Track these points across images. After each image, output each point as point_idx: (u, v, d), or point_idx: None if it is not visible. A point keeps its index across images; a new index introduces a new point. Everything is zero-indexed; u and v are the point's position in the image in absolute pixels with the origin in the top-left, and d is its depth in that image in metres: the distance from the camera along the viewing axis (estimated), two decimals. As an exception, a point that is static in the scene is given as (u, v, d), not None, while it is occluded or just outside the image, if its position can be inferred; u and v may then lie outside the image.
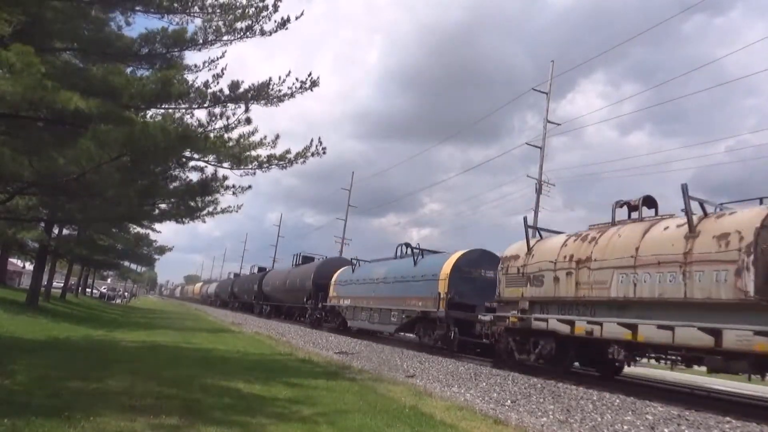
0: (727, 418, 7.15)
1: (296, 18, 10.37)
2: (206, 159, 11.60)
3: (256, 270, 46.51)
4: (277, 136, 11.71)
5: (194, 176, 12.95)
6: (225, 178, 12.61)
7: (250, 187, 13.11)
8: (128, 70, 11.43)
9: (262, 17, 10.14)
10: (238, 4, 10.17)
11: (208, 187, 12.47)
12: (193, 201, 12.95)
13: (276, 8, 10.15)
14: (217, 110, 10.31)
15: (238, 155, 11.20)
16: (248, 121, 10.90)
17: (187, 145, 10.22)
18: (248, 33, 10.40)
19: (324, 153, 11.32)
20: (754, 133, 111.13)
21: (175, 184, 12.98)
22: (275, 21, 10.27)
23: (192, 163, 12.41)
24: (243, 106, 10.44)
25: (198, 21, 10.66)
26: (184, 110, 10.84)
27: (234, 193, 12.78)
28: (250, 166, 11.48)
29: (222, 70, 10.83)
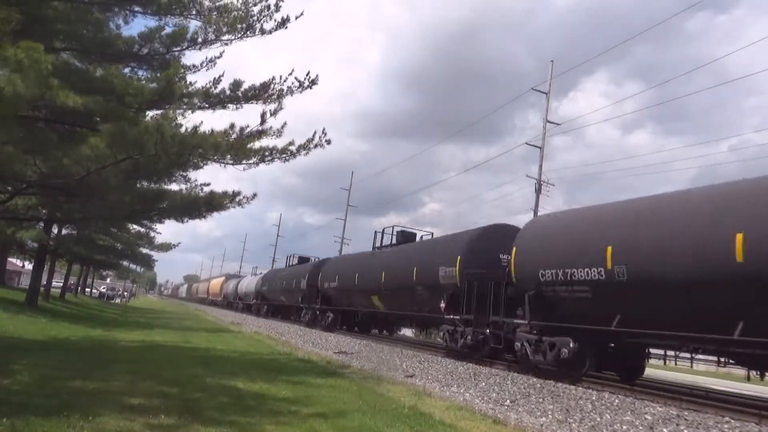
0: (726, 418, 7.15)
1: (296, 18, 10.37)
2: (207, 157, 11.58)
3: (379, 242, 20.54)
4: (284, 124, 11.41)
5: (196, 176, 13.01)
6: (235, 194, 12.62)
7: (255, 195, 12.97)
8: (126, 70, 11.44)
9: (263, 16, 10.15)
10: (235, 5, 10.18)
11: (214, 201, 12.45)
12: (199, 216, 12.93)
13: (278, 7, 10.15)
14: (236, 123, 10.29)
15: (241, 147, 11.05)
16: (261, 133, 10.94)
17: (198, 150, 10.21)
18: (248, 32, 10.40)
19: (328, 143, 11.03)
20: (757, 132, 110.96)
21: (176, 187, 13.02)
22: (275, 20, 10.28)
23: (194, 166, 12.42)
24: (260, 118, 10.40)
25: (196, 22, 10.69)
26: (184, 111, 10.84)
27: (240, 204, 12.70)
28: (253, 160, 11.29)
29: (220, 76, 10.83)
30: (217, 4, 10.08)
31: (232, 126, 10.54)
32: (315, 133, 11.07)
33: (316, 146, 11.12)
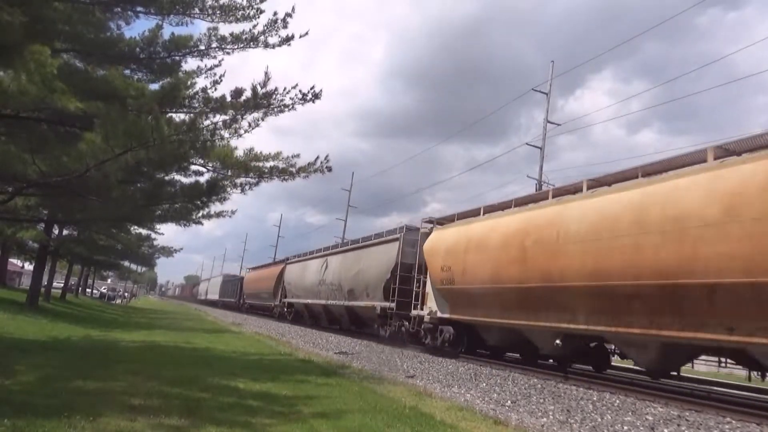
0: (727, 419, 7.15)
1: (300, 36, 10.39)
2: (209, 165, 11.63)
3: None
4: (297, 155, 11.67)
5: (194, 180, 13.02)
6: (233, 181, 12.53)
7: (258, 182, 12.93)
8: (126, 72, 11.46)
9: (270, 30, 10.18)
10: (237, 5, 10.19)
11: (216, 186, 12.37)
12: (199, 201, 12.86)
13: (285, 24, 10.17)
14: (227, 117, 10.23)
15: (245, 165, 11.18)
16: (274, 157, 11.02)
17: (196, 144, 10.20)
18: (252, 44, 10.42)
19: (329, 171, 11.29)
20: (765, 131, 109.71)
21: (176, 188, 13.00)
22: (280, 36, 10.32)
23: (194, 168, 12.44)
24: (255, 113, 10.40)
25: (199, 25, 10.73)
26: (185, 115, 10.85)
27: (242, 191, 12.61)
28: (251, 176, 11.47)
29: (220, 77, 10.85)
30: (220, 2, 10.08)
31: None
32: (317, 158, 11.28)
33: (316, 171, 11.30)
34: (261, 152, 11.55)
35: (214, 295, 59.70)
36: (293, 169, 11.40)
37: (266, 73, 9.51)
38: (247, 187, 12.45)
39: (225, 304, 52.77)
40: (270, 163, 11.54)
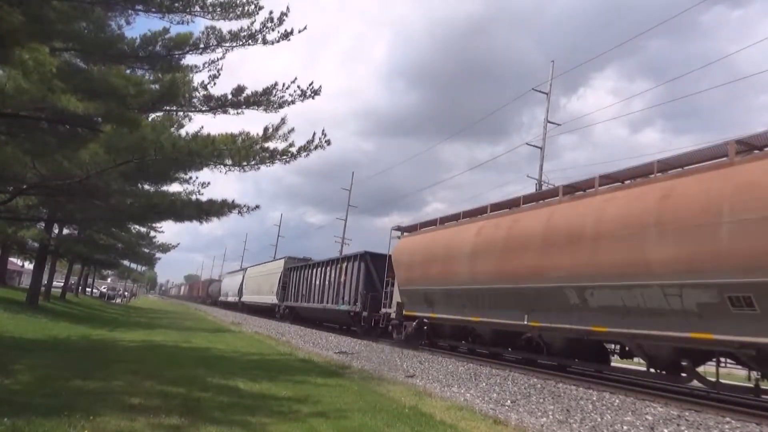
0: (727, 419, 7.15)
1: (299, 31, 10.42)
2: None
3: None
4: (292, 129, 11.56)
5: (197, 175, 13.17)
6: (233, 203, 12.75)
7: (258, 206, 13.35)
8: (128, 71, 11.47)
9: (266, 28, 10.18)
10: (237, 2, 10.19)
11: (216, 207, 12.50)
12: (201, 219, 12.98)
13: (281, 21, 10.17)
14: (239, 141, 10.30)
15: (244, 154, 11.12)
16: (266, 139, 11.04)
17: (198, 157, 10.28)
18: (251, 41, 10.42)
19: (328, 144, 11.16)
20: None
21: (177, 187, 13.13)
22: (278, 32, 10.32)
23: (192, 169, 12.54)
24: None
25: (199, 22, 10.72)
26: (185, 112, 10.88)
27: (240, 213, 12.83)
28: (253, 162, 11.37)
29: (218, 71, 10.88)
30: (220, 0, 10.08)
31: (239, 133, 10.69)
32: (315, 134, 11.21)
33: (316, 147, 11.23)
34: (248, 133, 11.40)
35: (260, 297, 35.05)
36: (293, 150, 11.26)
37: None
38: (245, 210, 12.72)
39: (298, 315, 27.74)
40: (271, 144, 11.47)
